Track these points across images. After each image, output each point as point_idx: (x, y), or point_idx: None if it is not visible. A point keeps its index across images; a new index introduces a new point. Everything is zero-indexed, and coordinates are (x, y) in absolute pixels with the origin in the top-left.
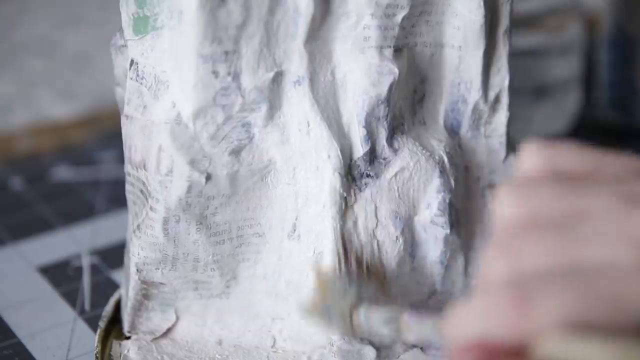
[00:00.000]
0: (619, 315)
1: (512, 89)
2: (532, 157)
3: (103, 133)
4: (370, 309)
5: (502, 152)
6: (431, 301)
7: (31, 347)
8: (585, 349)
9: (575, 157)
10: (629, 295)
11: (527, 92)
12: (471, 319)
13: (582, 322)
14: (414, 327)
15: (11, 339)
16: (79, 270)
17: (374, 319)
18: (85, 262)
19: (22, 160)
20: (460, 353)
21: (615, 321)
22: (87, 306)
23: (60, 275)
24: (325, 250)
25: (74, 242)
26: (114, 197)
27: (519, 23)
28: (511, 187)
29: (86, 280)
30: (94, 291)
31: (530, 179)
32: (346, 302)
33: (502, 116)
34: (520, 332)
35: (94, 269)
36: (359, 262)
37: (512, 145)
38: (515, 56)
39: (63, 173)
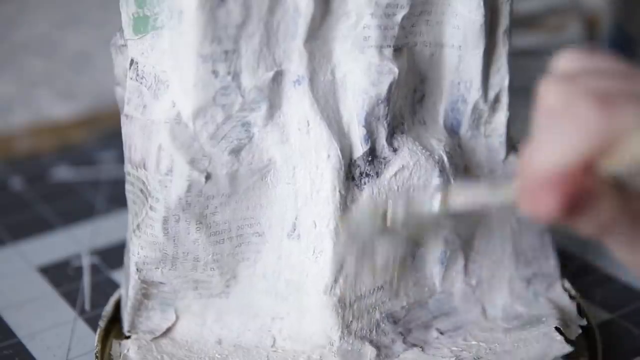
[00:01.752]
0: None
1: (512, 89)
2: (568, 59)
3: (103, 133)
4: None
5: (502, 151)
6: (431, 301)
7: (31, 347)
8: None
9: (608, 64)
10: None
11: (527, 92)
12: (551, 139)
13: None
14: (464, 191)
15: (11, 339)
16: (79, 270)
17: (417, 202)
18: (85, 262)
19: (22, 160)
20: (541, 192)
21: None
22: (87, 306)
23: (60, 275)
24: (325, 249)
25: (74, 242)
26: (114, 197)
27: (519, 23)
28: (550, 79)
29: (86, 280)
30: (94, 291)
31: (567, 73)
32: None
33: (502, 116)
34: (607, 133)
35: (94, 269)
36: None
37: (512, 145)
38: (515, 56)
39: (63, 173)
